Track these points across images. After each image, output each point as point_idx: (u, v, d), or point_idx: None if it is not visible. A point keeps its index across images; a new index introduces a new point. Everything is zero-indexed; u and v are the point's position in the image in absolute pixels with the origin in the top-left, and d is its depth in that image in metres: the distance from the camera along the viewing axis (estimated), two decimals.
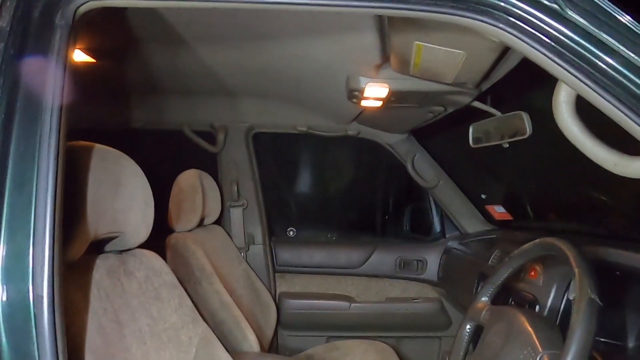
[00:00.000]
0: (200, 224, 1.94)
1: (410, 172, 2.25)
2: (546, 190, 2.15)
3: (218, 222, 2.19)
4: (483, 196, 2.35)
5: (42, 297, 0.61)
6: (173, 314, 1.17)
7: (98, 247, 1.03)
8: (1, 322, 0.61)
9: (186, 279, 1.69)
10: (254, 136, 2.31)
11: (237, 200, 2.28)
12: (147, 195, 1.08)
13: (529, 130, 1.47)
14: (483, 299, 1.20)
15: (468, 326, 1.20)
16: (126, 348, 0.94)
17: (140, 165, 1.07)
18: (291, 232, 2.47)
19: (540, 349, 0.86)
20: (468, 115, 1.77)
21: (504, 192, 2.45)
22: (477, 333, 1.18)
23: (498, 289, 1.19)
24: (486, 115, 1.71)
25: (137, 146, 1.06)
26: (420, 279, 2.35)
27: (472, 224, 2.29)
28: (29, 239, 0.64)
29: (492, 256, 1.71)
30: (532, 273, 1.31)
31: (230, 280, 1.98)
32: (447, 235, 2.37)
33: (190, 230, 1.84)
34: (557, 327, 0.95)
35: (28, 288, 0.63)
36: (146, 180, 1.08)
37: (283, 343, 2.36)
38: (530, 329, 0.92)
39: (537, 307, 1.23)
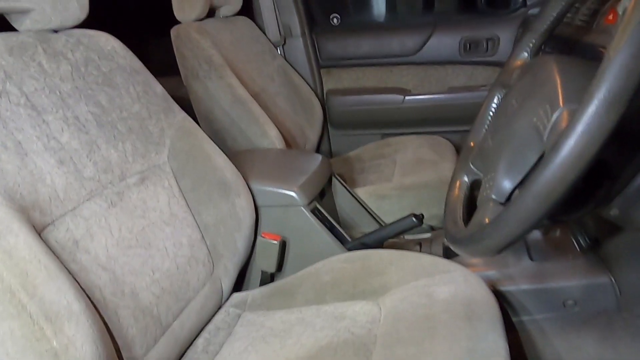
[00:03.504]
0: (212, 13, 1.69)
1: None
2: None
3: (247, 14, 1.92)
4: None
5: None
6: (134, 103, 1.00)
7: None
8: None
9: (193, 74, 1.52)
10: None
11: None
12: None
13: None
14: (522, 54, 0.85)
15: (497, 97, 0.89)
16: (49, 135, 0.80)
17: None
18: (335, 20, 2.12)
19: (561, 103, 0.55)
20: None
21: None
22: None
23: (543, 38, 0.82)
24: None
25: None
26: (490, 62, 1.95)
27: None
28: None
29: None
30: (610, 17, 0.89)
31: (261, 77, 1.78)
32: (528, 3, 1.86)
33: (200, 20, 1.60)
34: None
35: None
36: None
37: (336, 144, 2.22)
38: (557, 78, 0.59)
39: None
